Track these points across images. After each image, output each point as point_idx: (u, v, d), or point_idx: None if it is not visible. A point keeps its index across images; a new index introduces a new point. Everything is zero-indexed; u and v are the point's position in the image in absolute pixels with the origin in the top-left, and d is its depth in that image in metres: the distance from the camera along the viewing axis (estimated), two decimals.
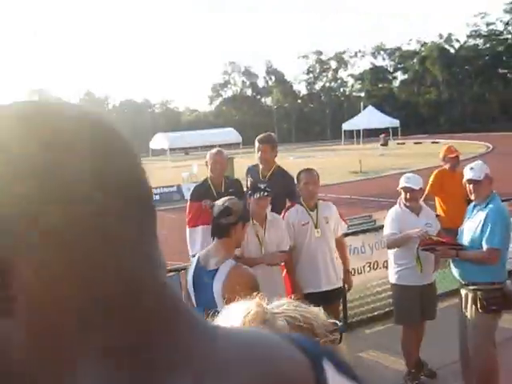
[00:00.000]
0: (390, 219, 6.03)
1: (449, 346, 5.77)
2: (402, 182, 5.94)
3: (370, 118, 46.37)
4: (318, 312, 1.54)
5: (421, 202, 6.17)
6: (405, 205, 5.96)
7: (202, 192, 6.66)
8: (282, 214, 6.28)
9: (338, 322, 1.57)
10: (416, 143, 53.60)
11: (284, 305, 1.52)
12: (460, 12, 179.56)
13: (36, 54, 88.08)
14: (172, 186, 24.97)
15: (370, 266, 7.94)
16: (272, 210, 6.24)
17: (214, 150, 6.95)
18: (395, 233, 5.88)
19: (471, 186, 5.27)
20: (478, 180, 5.22)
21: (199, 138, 36.76)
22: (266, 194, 5.67)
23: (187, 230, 6.84)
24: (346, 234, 7.59)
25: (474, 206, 5.38)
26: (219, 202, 4.31)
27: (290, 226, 6.15)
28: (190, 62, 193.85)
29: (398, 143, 52.65)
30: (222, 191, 6.57)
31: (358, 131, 41.86)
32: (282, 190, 6.62)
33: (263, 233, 5.77)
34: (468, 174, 5.37)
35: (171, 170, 30.02)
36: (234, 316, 1.47)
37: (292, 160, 44.14)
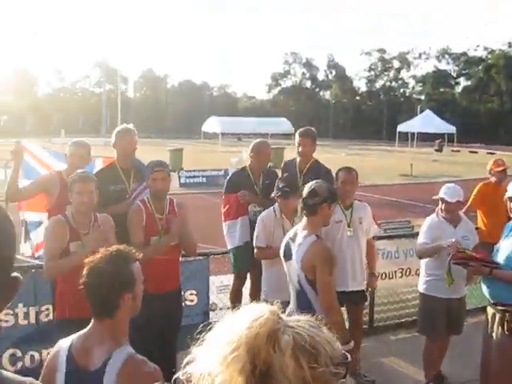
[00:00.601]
0: (426, 228, 5.93)
1: (470, 363, 5.65)
2: (441, 192, 5.84)
3: (427, 121, 45.60)
4: (331, 340, 1.47)
5: (461, 213, 6.05)
6: (443, 215, 5.86)
7: (239, 181, 6.61)
8: None
9: (348, 356, 1.47)
10: (471, 152, 52.53)
11: (301, 321, 1.46)
12: None
13: (101, 27, 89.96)
14: (220, 170, 25.07)
15: (401, 272, 7.85)
16: None
17: (257, 140, 6.91)
18: (427, 242, 5.78)
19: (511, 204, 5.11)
20: None
21: (252, 125, 36.68)
22: (279, 193, 5.70)
23: (224, 224, 6.73)
24: (381, 237, 7.54)
25: None
26: (308, 185, 4.68)
27: None
28: (250, 48, 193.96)
29: (453, 150, 51.70)
30: (259, 181, 6.55)
31: (413, 134, 41.19)
32: None
33: (290, 227, 5.75)
34: (510, 191, 5.21)
35: (221, 155, 30.13)
36: (242, 317, 1.45)
37: (344, 156, 43.94)
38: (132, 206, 5.41)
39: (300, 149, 6.76)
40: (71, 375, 2.73)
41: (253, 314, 1.44)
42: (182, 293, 6.38)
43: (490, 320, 5.12)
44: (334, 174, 6.37)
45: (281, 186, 5.73)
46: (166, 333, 5.27)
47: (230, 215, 6.60)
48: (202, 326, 1.52)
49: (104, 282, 2.80)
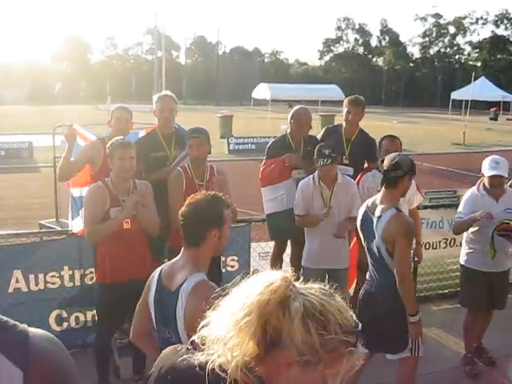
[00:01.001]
0: (464, 202, 5.80)
1: None
2: (490, 168, 5.56)
3: (482, 89, 44.19)
4: (343, 308, 1.47)
5: (505, 186, 5.83)
6: (485, 188, 5.68)
7: (280, 147, 6.56)
8: (358, 177, 6.20)
9: (359, 325, 1.48)
10: None
11: (313, 289, 1.48)
12: None
13: None
14: (269, 137, 24.93)
15: (446, 243, 7.72)
16: (354, 172, 6.22)
17: (297, 107, 6.82)
18: (461, 217, 5.65)
19: None
20: None
21: (301, 92, 36.30)
22: (329, 161, 5.58)
23: (264, 189, 6.63)
24: (426, 207, 7.41)
25: None
26: (390, 157, 4.63)
27: (364, 190, 6.08)
28: (302, 14, 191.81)
29: (508, 119, 50.37)
30: (300, 148, 6.49)
31: (468, 102, 40.18)
32: (364, 154, 6.53)
33: (329, 195, 5.72)
34: None
35: (271, 121, 29.99)
36: (256, 283, 1.48)
37: (395, 124, 43.39)
38: (172, 172, 5.43)
39: (350, 117, 6.67)
40: (158, 293, 3.19)
41: (266, 281, 1.46)
42: (223, 259, 6.44)
43: None
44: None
45: (327, 152, 5.62)
46: None
47: (273, 180, 6.50)
48: (218, 290, 1.53)
49: (197, 215, 3.12)
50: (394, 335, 4.67)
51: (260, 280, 1.48)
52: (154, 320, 3.26)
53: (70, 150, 5.80)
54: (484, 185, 5.68)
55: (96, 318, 5.64)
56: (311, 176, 5.82)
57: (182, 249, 3.24)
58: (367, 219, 4.72)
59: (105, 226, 4.77)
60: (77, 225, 6.16)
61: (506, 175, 5.62)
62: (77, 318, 6.08)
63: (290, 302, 1.42)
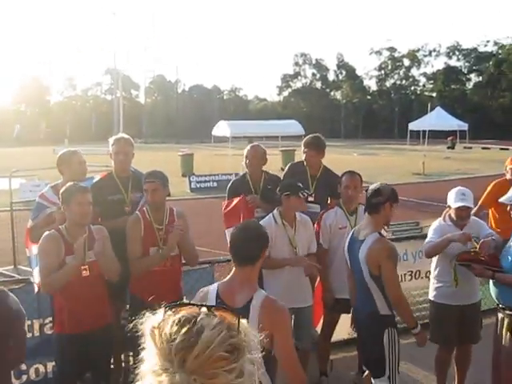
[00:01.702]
0: (433, 230, 5.78)
1: (482, 365, 5.52)
2: (457, 200, 5.55)
3: (438, 119, 45.14)
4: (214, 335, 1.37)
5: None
6: (451, 219, 5.65)
7: (239, 186, 6.51)
8: (320, 214, 6.17)
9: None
10: (484, 148, 52.18)
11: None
12: None
13: (112, 35, 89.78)
14: (230, 174, 24.95)
15: (411, 275, 7.71)
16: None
17: (250, 145, 6.78)
18: (432, 241, 5.63)
19: None
20: None
21: (261, 128, 36.56)
22: (306, 194, 5.61)
23: (227, 230, 6.30)
24: (389, 240, 7.39)
25: None
26: (372, 186, 4.93)
27: (326, 227, 6.05)
28: (260, 50, 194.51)
29: (465, 147, 51.32)
30: (260, 187, 6.43)
31: (425, 132, 40.93)
32: (328, 191, 6.52)
33: (293, 233, 5.67)
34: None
35: (232, 158, 30.00)
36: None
37: (355, 156, 43.84)
38: (130, 217, 5.33)
39: (308, 158, 6.70)
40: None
41: None
42: (188, 301, 6.29)
43: (499, 324, 5.00)
44: None
45: (289, 184, 5.71)
46: None
47: (236, 221, 6.37)
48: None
49: (252, 237, 3.58)
50: (373, 359, 4.91)
51: None
52: None
53: (51, 225, 5.22)
54: (450, 216, 5.66)
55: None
56: (270, 215, 5.74)
57: (235, 269, 3.58)
58: (353, 243, 4.95)
59: (60, 275, 4.61)
60: (37, 276, 5.98)
61: (473, 206, 5.64)
62: (37, 369, 5.84)
63: None
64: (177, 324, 1.35)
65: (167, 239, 5.14)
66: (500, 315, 4.99)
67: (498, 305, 5.07)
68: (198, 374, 1.28)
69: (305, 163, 6.77)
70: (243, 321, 1.40)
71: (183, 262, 5.64)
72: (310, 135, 6.95)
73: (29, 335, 5.78)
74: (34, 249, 5.51)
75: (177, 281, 5.49)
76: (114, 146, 5.86)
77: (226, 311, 1.41)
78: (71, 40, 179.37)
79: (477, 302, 5.76)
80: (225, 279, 3.66)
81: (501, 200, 5.30)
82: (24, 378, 5.76)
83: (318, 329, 6.54)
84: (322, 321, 6.47)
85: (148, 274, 5.15)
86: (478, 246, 5.34)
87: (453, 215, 5.62)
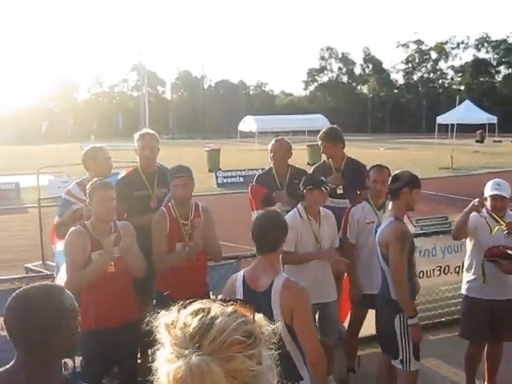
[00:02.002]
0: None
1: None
2: (492, 190, 5.49)
3: (467, 112, 44.69)
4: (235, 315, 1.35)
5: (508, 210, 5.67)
6: (487, 211, 5.55)
7: (265, 181, 6.46)
8: (348, 210, 6.10)
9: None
10: None
11: (213, 327, 1.30)
12: None
13: (138, 31, 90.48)
14: (257, 170, 24.91)
15: (440, 270, 7.60)
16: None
17: (275, 139, 6.72)
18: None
19: None
20: None
21: (288, 123, 36.55)
22: (327, 188, 5.55)
23: (253, 212, 6.39)
24: (418, 235, 7.29)
25: None
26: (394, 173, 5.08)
27: (354, 222, 5.99)
28: (286, 45, 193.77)
29: (495, 141, 50.63)
30: (285, 181, 6.37)
31: (453, 125, 40.47)
32: (356, 182, 6.45)
33: (318, 228, 5.63)
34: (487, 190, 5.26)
35: (258, 153, 29.98)
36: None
37: (382, 151, 43.51)
38: (156, 213, 5.30)
39: (325, 152, 6.68)
40: (246, 294, 3.74)
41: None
42: (214, 297, 6.30)
43: None
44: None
45: (311, 178, 5.71)
46: None
47: (257, 205, 6.28)
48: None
49: (273, 226, 3.85)
50: (386, 339, 5.04)
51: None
52: None
53: (77, 221, 5.20)
54: (486, 208, 5.56)
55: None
56: (295, 210, 5.68)
57: (258, 256, 3.89)
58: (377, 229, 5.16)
59: (87, 273, 4.62)
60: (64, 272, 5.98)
61: (508, 197, 5.52)
62: (65, 364, 5.87)
63: (207, 370, 1.23)
64: (191, 314, 1.33)
65: (193, 235, 5.11)
66: None
67: None
68: (215, 357, 1.24)
69: (326, 159, 6.70)
70: (259, 315, 1.38)
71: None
72: (324, 128, 6.89)
73: None
74: (60, 245, 5.53)
75: (203, 276, 5.47)
76: (140, 142, 5.85)
77: (241, 305, 1.38)
78: (97, 37, 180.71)
79: (510, 299, 5.56)
80: (250, 266, 4.02)
81: None
82: None
83: (346, 324, 6.49)
84: (349, 316, 6.42)
85: (174, 270, 5.13)
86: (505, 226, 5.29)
87: (488, 206, 5.54)
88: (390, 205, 5.03)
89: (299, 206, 5.66)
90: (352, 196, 6.44)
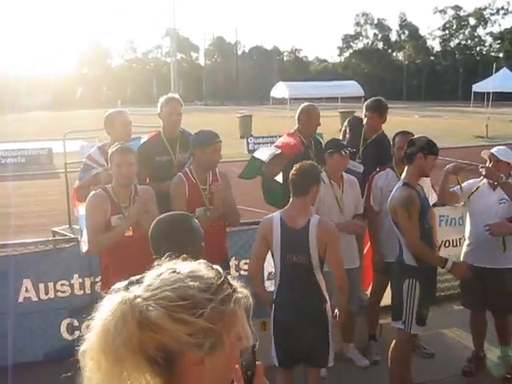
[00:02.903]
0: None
1: None
2: (493, 149, 5.55)
3: (504, 80, 43.50)
4: (196, 272, 1.35)
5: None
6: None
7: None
8: (372, 176, 6.04)
9: (220, 271, 1.40)
10: None
11: (157, 280, 1.33)
12: None
13: None
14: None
15: None
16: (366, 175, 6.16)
17: (305, 104, 6.63)
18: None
19: None
20: None
21: (320, 89, 36.14)
22: (347, 152, 5.57)
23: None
24: (444, 204, 7.19)
25: None
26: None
27: (378, 189, 5.94)
28: (320, 11, 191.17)
29: None
30: (312, 145, 6.30)
31: (489, 94, 39.62)
32: (377, 156, 6.36)
33: (341, 193, 5.59)
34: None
35: (290, 120, 29.80)
36: (105, 312, 1.32)
37: (417, 118, 42.96)
38: (174, 179, 5.27)
39: (367, 121, 6.54)
40: (285, 232, 4.46)
41: (111, 307, 1.30)
42: (237, 262, 6.34)
43: None
44: None
45: (332, 142, 5.75)
46: None
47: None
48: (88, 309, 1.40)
49: (306, 174, 4.48)
50: (393, 300, 5.12)
51: (107, 307, 1.31)
52: (277, 252, 4.54)
53: (97, 186, 5.26)
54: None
55: None
56: None
57: (292, 199, 4.52)
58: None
59: (108, 237, 4.65)
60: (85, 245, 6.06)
61: (503, 160, 5.44)
62: (89, 326, 5.96)
63: (145, 315, 1.25)
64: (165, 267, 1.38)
65: (213, 199, 5.11)
66: None
67: None
68: (143, 301, 1.27)
69: (364, 123, 6.60)
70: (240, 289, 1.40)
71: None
72: (372, 98, 6.77)
73: (80, 292, 5.93)
74: (82, 209, 5.58)
75: (222, 241, 5.46)
76: (166, 107, 5.81)
77: (218, 274, 1.38)
78: (130, 3, 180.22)
79: (502, 269, 5.47)
80: (285, 208, 4.58)
81: None
82: (77, 333, 5.90)
83: (368, 293, 6.47)
84: (371, 285, 6.39)
85: None
86: None
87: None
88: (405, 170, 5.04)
89: (321, 170, 5.62)
90: (367, 167, 6.32)
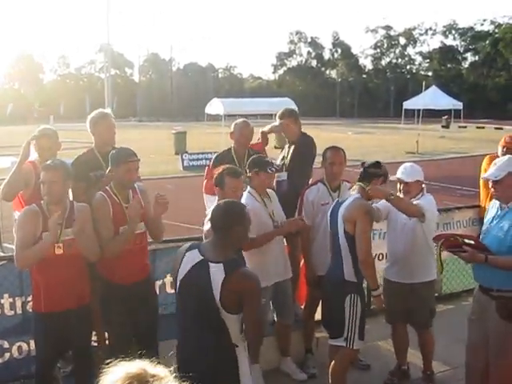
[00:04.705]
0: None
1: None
2: (398, 173, 5.64)
3: (433, 98, 44.91)
4: None
5: (424, 192, 5.70)
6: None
7: (224, 161, 6.43)
8: (303, 192, 6.10)
9: None
10: (478, 127, 52.05)
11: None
12: None
13: (105, 11, 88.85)
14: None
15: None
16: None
17: (239, 121, 6.70)
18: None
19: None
20: (496, 180, 4.59)
21: (255, 106, 36.39)
22: (274, 170, 5.65)
23: (205, 196, 6.67)
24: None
25: (501, 206, 4.70)
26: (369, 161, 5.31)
27: (309, 203, 6.00)
28: (255, 28, 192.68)
29: (460, 126, 51.12)
30: (243, 162, 6.34)
31: (419, 111, 40.79)
32: (303, 155, 6.61)
33: (272, 208, 5.64)
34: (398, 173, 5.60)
35: (225, 136, 29.85)
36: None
37: (350, 135, 43.67)
38: (95, 198, 5.04)
39: (285, 129, 6.76)
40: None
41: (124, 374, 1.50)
42: (161, 279, 6.24)
43: (481, 307, 4.79)
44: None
45: (257, 160, 5.70)
46: (143, 322, 5.04)
47: (211, 190, 6.15)
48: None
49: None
50: (334, 319, 5.08)
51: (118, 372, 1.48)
52: None
53: (22, 163, 5.55)
54: (401, 192, 5.67)
55: None
56: (247, 194, 5.59)
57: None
58: (336, 206, 5.18)
59: (32, 251, 4.51)
60: None
61: (411, 181, 5.57)
62: (19, 347, 5.77)
63: None
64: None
65: (128, 212, 4.96)
66: (484, 298, 4.71)
67: (481, 287, 4.84)
68: None
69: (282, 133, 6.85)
70: None
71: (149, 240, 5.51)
72: (281, 109, 6.97)
73: (11, 313, 5.74)
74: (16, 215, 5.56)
75: (145, 259, 5.34)
76: (103, 122, 5.78)
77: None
78: (64, 18, 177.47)
79: (418, 283, 5.62)
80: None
81: (483, 176, 5.26)
82: (7, 355, 5.70)
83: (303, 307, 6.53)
84: (306, 299, 6.46)
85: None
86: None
87: (401, 189, 5.68)
88: (356, 186, 5.14)
89: (249, 189, 5.61)
90: (302, 169, 6.56)
